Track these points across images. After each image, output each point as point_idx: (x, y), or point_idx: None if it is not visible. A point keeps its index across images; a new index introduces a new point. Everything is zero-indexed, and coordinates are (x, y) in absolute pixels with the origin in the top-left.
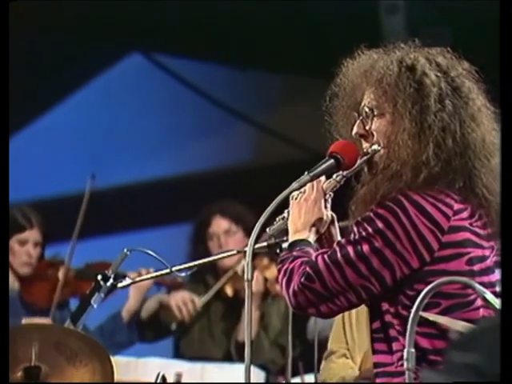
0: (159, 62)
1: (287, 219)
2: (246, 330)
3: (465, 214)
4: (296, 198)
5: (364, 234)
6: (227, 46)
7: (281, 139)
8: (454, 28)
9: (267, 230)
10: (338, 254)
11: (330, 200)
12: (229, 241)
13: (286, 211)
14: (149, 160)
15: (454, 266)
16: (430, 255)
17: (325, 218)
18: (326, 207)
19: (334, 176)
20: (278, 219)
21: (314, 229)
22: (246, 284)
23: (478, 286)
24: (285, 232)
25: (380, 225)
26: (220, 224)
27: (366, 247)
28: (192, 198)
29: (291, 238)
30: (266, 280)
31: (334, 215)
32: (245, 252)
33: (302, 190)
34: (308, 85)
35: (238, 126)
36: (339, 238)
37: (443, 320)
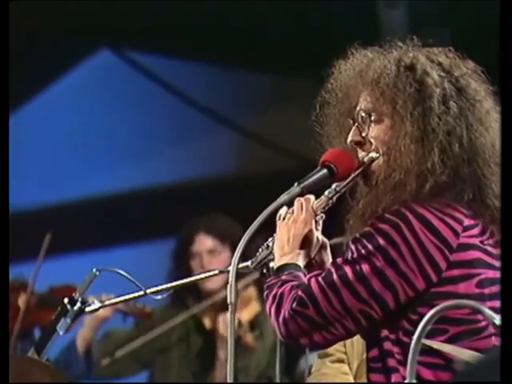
0: (131, 59)
1: (272, 248)
2: (229, 357)
3: (475, 231)
4: (284, 219)
5: (363, 251)
6: (208, 42)
7: (268, 146)
8: (454, 28)
9: (249, 263)
10: (334, 276)
11: (321, 222)
12: (212, 261)
13: (270, 239)
14: (119, 169)
15: (463, 288)
16: (437, 275)
17: (315, 240)
18: (316, 229)
19: (326, 192)
20: (261, 249)
21: (303, 253)
22: (229, 307)
23: (487, 311)
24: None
25: (381, 241)
26: (204, 242)
27: (365, 267)
28: (168, 213)
29: (278, 262)
30: (239, 324)
31: (326, 240)
32: (228, 272)
33: (290, 210)
34: (299, 86)
35: (221, 132)
36: (326, 260)
37: (448, 348)
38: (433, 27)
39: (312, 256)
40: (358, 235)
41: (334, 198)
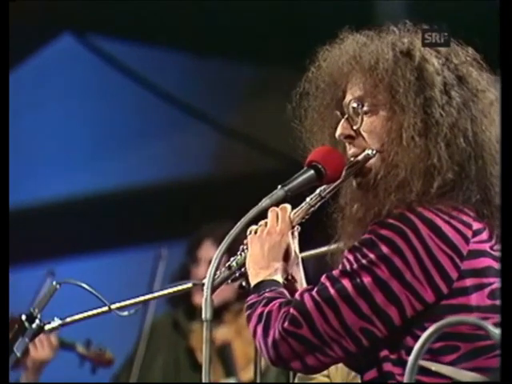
0: (95, 46)
1: (238, 269)
2: (204, 378)
3: (484, 236)
4: (256, 232)
5: (364, 262)
6: (181, 27)
7: (248, 144)
8: (454, 26)
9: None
10: (331, 290)
11: (296, 234)
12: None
13: (232, 259)
14: (80, 169)
15: (475, 299)
16: (448, 286)
17: (293, 254)
18: (293, 242)
19: (308, 199)
20: (220, 271)
21: (281, 268)
22: (204, 324)
23: (491, 329)
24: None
25: (385, 249)
26: (209, 250)
27: (367, 279)
28: (137, 219)
29: (254, 279)
30: None
31: (299, 254)
32: (203, 285)
33: (263, 222)
34: (284, 78)
35: (195, 128)
36: (304, 282)
37: (448, 370)
38: (432, 24)
39: (290, 272)
40: (356, 243)
41: (317, 205)
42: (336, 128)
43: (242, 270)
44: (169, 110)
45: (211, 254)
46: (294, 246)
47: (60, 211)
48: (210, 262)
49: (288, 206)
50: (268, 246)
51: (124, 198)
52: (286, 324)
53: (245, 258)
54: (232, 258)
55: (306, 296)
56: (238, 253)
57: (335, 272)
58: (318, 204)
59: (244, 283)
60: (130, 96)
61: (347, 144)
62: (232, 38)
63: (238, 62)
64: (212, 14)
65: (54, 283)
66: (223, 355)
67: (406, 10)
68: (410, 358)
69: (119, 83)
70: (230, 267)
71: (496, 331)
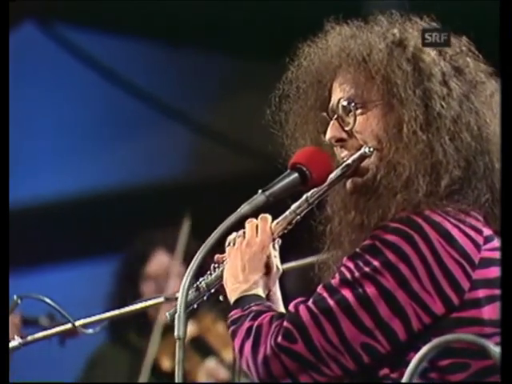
0: (59, 35)
1: (207, 291)
2: None
3: (496, 243)
4: (234, 244)
5: (367, 269)
6: (154, 16)
7: (227, 145)
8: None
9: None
10: (330, 301)
11: (277, 247)
12: (171, 285)
13: (201, 279)
14: (44, 172)
15: (488, 312)
16: (459, 297)
17: (275, 268)
18: (275, 255)
19: (293, 207)
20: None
21: (262, 282)
22: (177, 343)
23: (493, 348)
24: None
25: (390, 256)
26: (161, 261)
27: (370, 289)
28: (107, 226)
29: (234, 294)
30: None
31: (281, 269)
32: (176, 299)
33: (240, 232)
34: (267, 72)
35: (169, 126)
36: (279, 297)
37: None
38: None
39: (272, 288)
40: (358, 250)
41: (303, 213)
42: (321, 132)
43: (212, 291)
44: (140, 106)
45: (165, 264)
46: (276, 259)
47: (24, 216)
48: (167, 273)
49: (269, 216)
50: (247, 258)
51: (94, 201)
52: (279, 338)
53: (214, 278)
54: (201, 279)
55: (302, 308)
56: (208, 273)
57: (334, 281)
58: (305, 212)
59: (221, 297)
60: (99, 91)
61: (337, 148)
62: (208, 30)
63: (216, 53)
64: (187, 3)
65: (15, 297)
66: (196, 343)
67: (404, 9)
68: (403, 380)
69: (87, 77)
70: (198, 288)
71: (497, 350)
